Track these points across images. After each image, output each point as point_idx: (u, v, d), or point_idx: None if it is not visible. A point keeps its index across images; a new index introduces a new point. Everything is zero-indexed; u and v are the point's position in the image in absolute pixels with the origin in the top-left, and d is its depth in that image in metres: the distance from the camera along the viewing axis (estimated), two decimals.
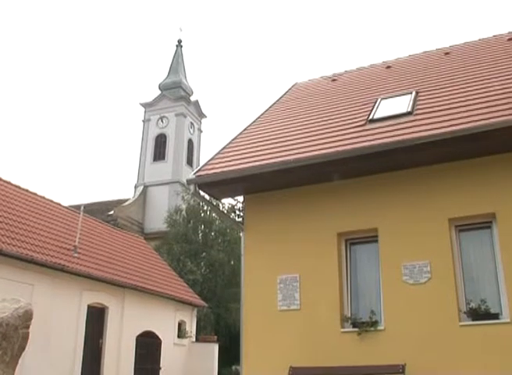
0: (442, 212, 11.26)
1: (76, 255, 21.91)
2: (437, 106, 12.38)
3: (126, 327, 23.59)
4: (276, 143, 13.51)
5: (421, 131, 11.14)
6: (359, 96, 15.49)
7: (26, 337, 9.39)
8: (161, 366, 25.46)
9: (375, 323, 11.42)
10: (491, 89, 12.33)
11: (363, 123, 12.91)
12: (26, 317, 9.40)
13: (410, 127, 11.58)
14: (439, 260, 11.03)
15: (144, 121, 57.71)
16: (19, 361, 9.48)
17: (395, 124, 12.06)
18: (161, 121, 56.77)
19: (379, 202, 11.96)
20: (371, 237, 12.11)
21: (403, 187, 11.77)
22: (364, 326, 11.44)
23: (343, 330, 11.68)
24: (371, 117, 13.02)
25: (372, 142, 11.50)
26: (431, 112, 12.15)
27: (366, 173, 12.01)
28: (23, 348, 9.41)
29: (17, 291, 15.87)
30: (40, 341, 16.51)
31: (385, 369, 10.49)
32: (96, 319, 22.33)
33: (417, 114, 12.32)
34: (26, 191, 24.56)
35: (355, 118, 13.45)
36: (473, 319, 10.59)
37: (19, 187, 24.17)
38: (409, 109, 12.62)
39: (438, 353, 10.49)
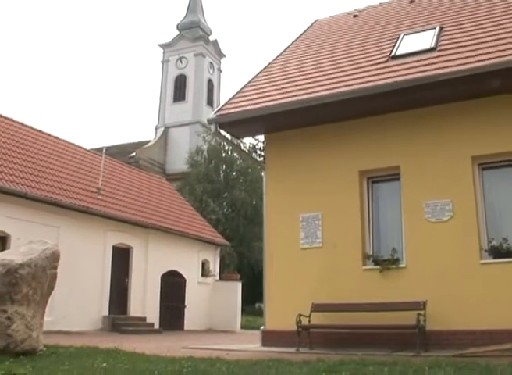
0: (465, 150, 11.15)
1: (99, 196, 22.15)
2: (462, 41, 12.09)
3: (150, 267, 24.02)
4: (297, 81, 13.36)
5: (444, 67, 10.93)
6: (381, 32, 15.15)
7: (54, 278, 9.65)
8: (185, 304, 25.98)
9: (396, 261, 11.52)
10: None
11: (385, 59, 12.69)
12: (54, 258, 9.63)
13: (434, 64, 11.35)
14: (462, 198, 10.99)
15: (162, 62, 57.24)
16: (49, 300, 9.79)
17: (418, 60, 11.82)
18: (180, 62, 56.26)
19: (401, 140, 11.86)
20: (393, 175, 12.08)
21: (426, 124, 11.63)
22: (385, 263, 11.54)
23: (364, 267, 11.80)
24: (393, 53, 12.77)
25: (394, 79, 11.32)
26: (455, 47, 11.87)
27: (388, 110, 11.87)
28: (52, 288, 9.68)
29: (44, 234, 16.15)
30: (68, 280, 16.89)
31: (406, 306, 10.62)
32: (121, 259, 22.75)
33: (440, 50, 12.05)
34: (48, 134, 24.69)
35: (377, 54, 13.20)
36: (494, 257, 10.63)
37: (40, 132, 24.30)
38: (432, 45, 12.34)
39: (458, 290, 10.57)
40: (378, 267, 11.62)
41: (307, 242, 12.50)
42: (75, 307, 19.36)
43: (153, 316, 23.43)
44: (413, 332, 10.20)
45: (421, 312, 10.37)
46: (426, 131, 11.62)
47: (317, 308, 11.68)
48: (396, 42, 13.47)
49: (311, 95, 12.06)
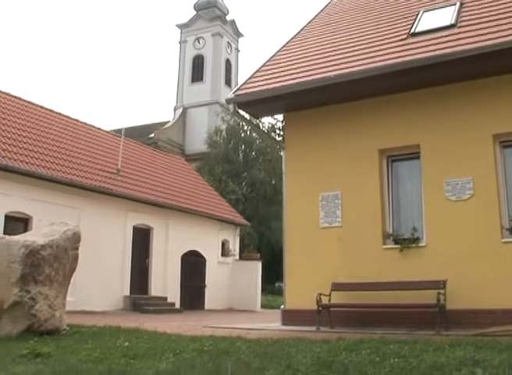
0: (486, 127, 11.02)
1: (119, 178, 22.29)
2: (482, 17, 11.87)
3: (170, 247, 24.19)
4: (316, 59, 13.26)
5: (464, 44, 10.77)
6: (400, 9, 14.95)
7: (76, 258, 9.77)
8: (206, 283, 26.17)
9: (416, 240, 11.48)
10: None
11: (404, 36, 12.53)
12: (75, 239, 9.74)
13: (454, 40, 11.18)
14: (483, 176, 10.89)
15: (180, 43, 57.08)
16: (71, 280, 9.92)
17: (438, 37, 11.66)
18: (198, 42, 56.07)
19: (422, 118, 11.76)
20: (413, 154, 12.00)
21: (446, 102, 11.50)
22: (405, 242, 11.51)
23: (384, 246, 11.78)
24: (412, 31, 12.60)
25: (414, 56, 11.19)
26: (476, 23, 11.67)
27: (408, 88, 11.76)
28: (74, 269, 9.81)
29: (65, 215, 16.31)
30: (89, 261, 17.06)
31: (426, 285, 10.60)
32: (141, 239, 22.93)
33: (461, 26, 11.87)
34: (68, 117, 24.82)
35: (396, 32, 13.04)
36: None
37: (60, 114, 24.44)
38: (452, 21, 12.15)
39: (479, 269, 10.52)
40: (398, 246, 11.59)
41: (327, 221, 12.50)
42: (97, 287, 19.60)
43: (174, 296, 23.65)
44: (433, 311, 10.19)
45: (442, 291, 10.34)
46: (446, 109, 11.50)
47: (337, 287, 11.70)
48: (416, 19, 13.29)
49: (330, 74, 11.97)
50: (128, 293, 21.66)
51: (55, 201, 18.63)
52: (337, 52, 13.22)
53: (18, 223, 17.95)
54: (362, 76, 11.49)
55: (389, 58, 11.57)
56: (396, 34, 12.87)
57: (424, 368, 5.13)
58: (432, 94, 11.61)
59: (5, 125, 19.76)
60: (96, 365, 5.95)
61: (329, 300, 11.58)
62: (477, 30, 11.26)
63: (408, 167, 12.33)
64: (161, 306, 21.98)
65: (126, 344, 7.54)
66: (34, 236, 9.57)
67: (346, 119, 12.65)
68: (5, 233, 14.58)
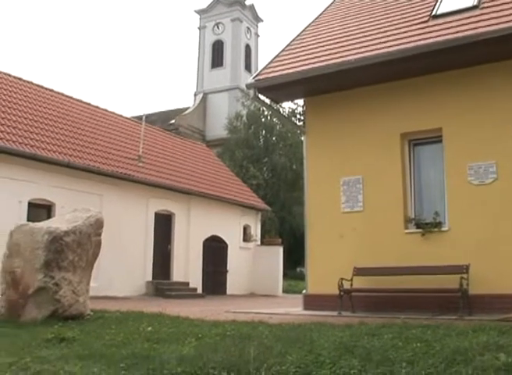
0: (510, 110, 10.87)
1: (140, 164, 22.39)
2: None
3: (192, 232, 24.30)
4: (336, 43, 13.16)
5: (487, 26, 10.60)
6: None
7: (98, 244, 9.84)
8: (227, 268, 26.28)
9: (438, 224, 11.42)
10: None
11: (426, 19, 12.36)
12: (98, 225, 9.81)
13: (476, 22, 11.00)
14: (506, 160, 10.76)
15: (199, 28, 56.94)
16: (94, 266, 10.01)
17: (460, 19, 11.48)
18: (217, 27, 55.90)
19: (444, 101, 11.64)
20: (435, 138, 11.90)
21: (469, 85, 11.37)
22: (427, 227, 11.45)
23: (406, 230, 11.74)
24: (434, 13, 12.43)
25: (436, 39, 11.04)
26: (499, 4, 11.45)
27: (429, 71, 11.64)
28: (97, 255, 9.89)
29: (87, 202, 16.46)
30: (112, 247, 17.20)
31: (448, 270, 10.55)
32: (163, 225, 23.07)
33: (483, 7, 11.67)
34: (89, 104, 24.95)
35: (418, 14, 12.87)
36: None
37: (81, 101, 24.57)
38: (475, 3, 11.95)
39: (502, 254, 10.44)
40: (420, 230, 11.54)
41: (349, 206, 12.47)
42: (119, 273, 19.77)
43: (196, 281, 23.79)
44: (456, 296, 10.15)
45: (464, 275, 10.29)
46: (469, 92, 11.37)
47: (359, 272, 11.70)
48: (437, 1, 13.11)
49: (351, 57, 11.88)
50: (150, 278, 21.83)
51: (77, 188, 18.79)
52: (358, 35, 13.10)
53: (41, 209, 18.15)
54: (384, 60, 11.39)
55: (411, 41, 11.44)
56: (417, 17, 12.71)
57: (447, 353, 5.11)
58: (454, 77, 11.47)
59: (27, 113, 19.91)
60: (120, 349, 6.01)
61: (351, 285, 11.59)
62: (500, 11, 11.06)
63: (430, 151, 12.23)
64: (184, 291, 22.13)
65: (149, 328, 7.61)
66: (57, 222, 9.65)
67: (367, 103, 12.57)
68: (28, 220, 14.75)
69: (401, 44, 11.52)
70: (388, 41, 11.92)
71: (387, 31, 12.59)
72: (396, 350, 5.40)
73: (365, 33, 13.04)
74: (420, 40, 11.33)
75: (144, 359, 5.38)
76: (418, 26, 12.08)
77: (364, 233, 12.12)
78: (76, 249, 9.21)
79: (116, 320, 8.91)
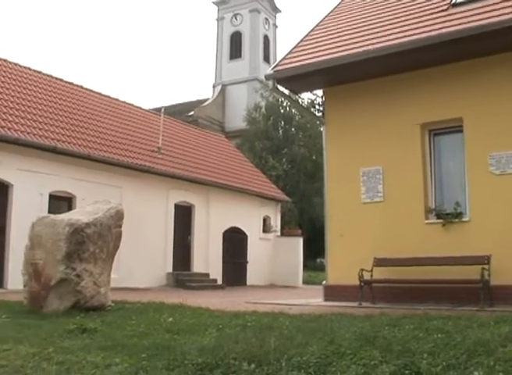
0: None
1: (160, 156, 22.45)
2: None
3: (212, 224, 24.35)
4: (355, 33, 13.07)
5: (509, 13, 10.46)
6: None
7: (119, 236, 9.91)
8: (247, 259, 26.32)
9: (459, 215, 11.34)
10: None
11: (446, 7, 12.23)
12: (118, 217, 9.88)
13: (498, 9, 10.85)
14: None
15: (217, 20, 56.80)
16: (115, 258, 10.08)
17: (480, 7, 11.33)
18: (235, 18, 55.70)
19: (464, 91, 11.53)
20: (455, 127, 11.80)
21: (489, 74, 11.23)
22: (448, 217, 11.38)
23: (427, 221, 11.68)
24: (454, 1, 12.30)
25: (456, 27, 10.91)
26: None
27: (449, 60, 11.52)
28: (118, 246, 9.97)
29: (107, 194, 16.53)
30: (132, 239, 17.29)
31: (470, 260, 10.48)
32: (183, 216, 23.13)
33: None
34: (108, 96, 25.05)
35: (437, 2, 12.74)
36: None
37: (100, 94, 24.67)
38: None
39: None
40: (440, 221, 11.47)
41: (369, 197, 12.43)
42: (140, 264, 19.88)
43: (216, 272, 23.84)
44: (477, 287, 10.08)
45: (486, 266, 10.22)
46: (489, 81, 11.24)
47: (379, 262, 11.66)
48: None
49: (370, 47, 11.79)
50: (171, 269, 21.92)
51: (97, 180, 18.89)
52: (377, 25, 13.00)
53: (62, 202, 18.28)
54: (403, 49, 11.30)
55: (431, 30, 11.32)
56: (436, 5, 12.57)
57: (469, 344, 5.09)
58: (475, 66, 11.35)
59: (46, 106, 20.04)
60: (141, 340, 6.07)
61: (371, 275, 11.56)
62: None
63: (450, 141, 12.14)
64: (204, 282, 22.20)
65: (170, 319, 7.67)
66: (78, 214, 9.73)
67: (386, 93, 12.49)
68: (49, 212, 14.85)
69: (421, 32, 11.40)
70: (408, 30, 11.81)
71: (407, 20, 12.47)
72: (417, 341, 5.39)
73: (384, 23, 12.94)
74: (440, 28, 11.19)
75: (165, 350, 5.43)
76: (438, 15, 11.95)
77: (384, 224, 12.07)
78: (97, 241, 9.28)
79: (137, 311, 8.99)
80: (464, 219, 11.27)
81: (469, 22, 10.85)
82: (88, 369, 4.88)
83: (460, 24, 10.95)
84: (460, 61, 11.44)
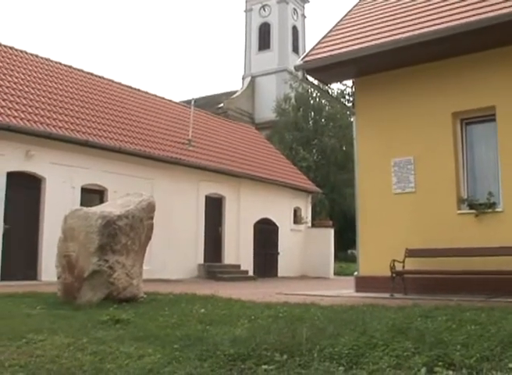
0: None
1: (190, 148, 22.54)
2: None
3: (243, 215, 24.41)
4: (385, 22, 12.93)
5: None
6: None
7: (151, 228, 9.98)
8: (278, 251, 26.33)
9: (492, 205, 11.19)
10: None
11: None
12: (150, 209, 9.95)
13: None
14: None
15: (245, 11, 56.70)
16: (147, 250, 10.16)
17: None
18: (264, 10, 55.53)
19: (496, 79, 11.33)
20: (488, 116, 11.62)
21: None
22: (481, 207, 11.24)
23: (459, 211, 11.54)
24: None
25: (487, 14, 10.71)
26: None
27: (480, 48, 11.34)
28: (149, 238, 10.04)
29: (139, 186, 16.70)
30: (164, 231, 17.45)
31: (503, 251, 10.34)
32: (214, 208, 23.23)
33: None
34: (138, 90, 25.21)
35: None
36: None
37: (130, 87, 24.84)
38: None
39: None
40: (473, 211, 11.33)
41: (400, 187, 12.33)
42: (172, 256, 20.04)
43: (247, 264, 23.92)
44: (511, 278, 9.95)
45: None
46: None
47: (411, 253, 11.57)
48: None
49: (400, 36, 11.66)
50: (202, 261, 22.05)
51: (129, 173, 19.06)
52: (406, 14, 12.83)
53: (94, 195, 18.50)
54: (433, 38, 11.14)
55: (461, 18, 11.14)
56: None
57: (503, 335, 5.02)
58: (508, 54, 11.15)
59: (78, 100, 20.25)
60: (173, 331, 6.11)
61: (403, 266, 11.48)
62: None
63: (483, 130, 11.96)
64: (235, 274, 22.29)
65: (202, 310, 7.71)
66: (110, 207, 9.82)
67: (417, 83, 12.36)
68: (81, 205, 15.05)
69: (451, 21, 11.22)
70: (437, 19, 11.62)
71: (436, 8, 12.28)
72: (450, 332, 5.34)
73: (414, 11, 12.77)
74: (470, 16, 11.00)
75: (198, 341, 5.46)
76: (468, 2, 11.72)
77: (415, 215, 11.97)
78: (129, 233, 9.36)
79: (169, 302, 9.06)
80: (497, 210, 11.11)
81: (503, 8, 10.64)
82: (121, 359, 4.93)
83: (491, 11, 10.72)
84: (492, 49, 11.25)
